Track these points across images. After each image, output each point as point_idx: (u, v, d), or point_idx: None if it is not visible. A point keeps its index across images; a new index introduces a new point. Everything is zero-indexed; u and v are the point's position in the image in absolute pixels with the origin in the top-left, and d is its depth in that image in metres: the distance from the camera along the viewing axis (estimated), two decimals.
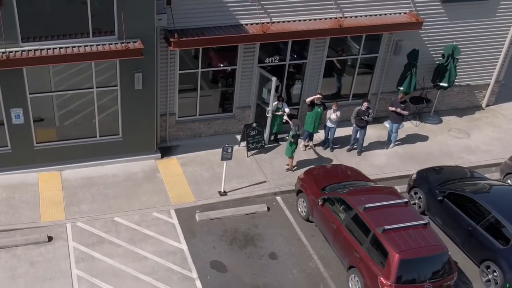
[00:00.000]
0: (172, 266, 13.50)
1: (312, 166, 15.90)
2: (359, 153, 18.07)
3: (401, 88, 18.45)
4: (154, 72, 15.58)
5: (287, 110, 17.06)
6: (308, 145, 17.90)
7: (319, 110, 17.24)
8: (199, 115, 17.77)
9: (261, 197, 15.99)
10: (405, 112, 17.73)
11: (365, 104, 17.33)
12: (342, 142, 18.46)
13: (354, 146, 18.14)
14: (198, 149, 17.52)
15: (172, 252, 13.89)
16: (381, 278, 12.16)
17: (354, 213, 13.27)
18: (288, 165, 16.88)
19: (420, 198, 15.64)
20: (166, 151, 17.37)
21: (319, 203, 14.16)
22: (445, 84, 18.89)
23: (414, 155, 18.16)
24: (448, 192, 14.85)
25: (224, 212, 15.25)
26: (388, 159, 17.94)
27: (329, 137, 18.01)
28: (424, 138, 19.08)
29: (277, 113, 17.04)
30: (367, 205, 13.12)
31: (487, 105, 21.24)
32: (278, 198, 16.05)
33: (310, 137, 18.00)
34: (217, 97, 17.87)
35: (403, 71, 18.48)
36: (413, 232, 12.65)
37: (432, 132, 19.46)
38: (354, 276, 12.98)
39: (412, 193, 15.94)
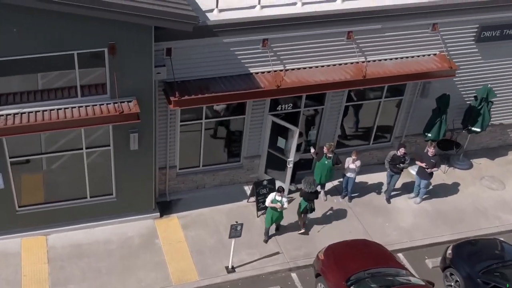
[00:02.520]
0: None
1: (332, 243, 14.14)
2: (388, 201, 16.58)
3: (429, 135, 16.64)
4: (152, 131, 13.67)
5: (286, 205, 14.25)
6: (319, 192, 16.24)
7: (326, 162, 15.48)
8: (203, 165, 15.93)
9: (274, 274, 14.32)
10: (435, 169, 15.94)
11: (402, 150, 15.73)
12: (361, 190, 16.81)
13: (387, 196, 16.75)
14: (201, 205, 15.75)
15: None
16: None
17: None
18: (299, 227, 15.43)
19: (457, 281, 13.94)
20: (165, 207, 15.60)
21: None
22: (478, 129, 17.08)
23: (444, 214, 16.45)
24: (492, 285, 13.15)
25: None
26: (415, 218, 16.24)
27: (347, 187, 16.31)
28: (454, 190, 17.35)
29: (273, 204, 14.22)
30: None
31: None
32: (294, 275, 14.39)
33: (321, 187, 16.29)
34: (223, 146, 15.98)
35: (431, 116, 16.61)
36: None
37: (462, 181, 17.70)
38: None
39: (448, 273, 14.25)
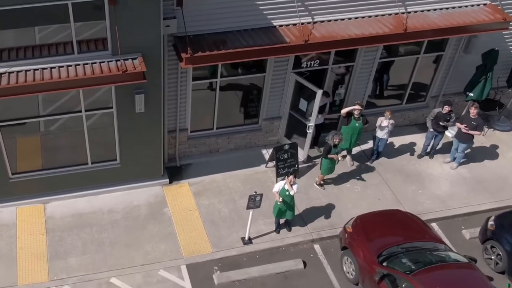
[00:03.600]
0: None
1: (361, 214, 12.70)
2: (431, 156, 15.28)
3: (471, 95, 14.97)
4: (160, 91, 12.22)
5: (293, 192, 12.20)
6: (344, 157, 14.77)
7: (356, 124, 13.96)
8: (217, 128, 14.45)
9: (295, 246, 12.96)
10: (477, 133, 14.33)
11: (447, 108, 14.30)
12: (392, 154, 15.34)
13: (428, 151, 15.31)
14: (214, 170, 14.36)
15: None
16: None
17: None
18: (317, 181, 14.16)
19: (498, 255, 12.50)
20: (175, 173, 14.24)
21: (376, 280, 11.07)
22: None
23: (484, 181, 14.89)
24: None
25: (249, 272, 12.29)
26: (452, 186, 14.70)
27: (378, 149, 14.86)
28: (494, 155, 15.74)
29: (279, 199, 12.29)
30: None
31: None
32: (317, 247, 13.02)
33: (348, 152, 14.83)
34: (240, 106, 14.46)
35: (474, 73, 14.93)
36: None
37: (504, 144, 16.08)
38: None
39: (488, 246, 12.78)
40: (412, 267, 10.82)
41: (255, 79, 13.83)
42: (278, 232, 12.97)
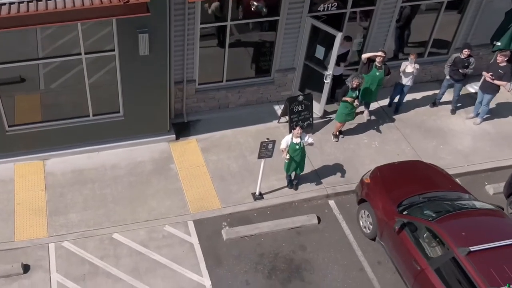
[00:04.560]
0: None
1: (380, 165, 11.62)
2: (453, 112, 14.11)
3: (498, 44, 13.69)
4: (166, 30, 11.12)
5: (310, 140, 11.24)
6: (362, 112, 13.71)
7: (377, 73, 12.78)
8: (227, 80, 13.37)
9: (309, 202, 11.91)
10: (503, 83, 13.11)
11: (466, 52, 13.10)
12: (412, 109, 14.24)
13: (440, 101, 14.24)
14: (224, 126, 13.32)
15: None
16: None
17: (451, 255, 9.13)
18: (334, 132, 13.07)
19: None
20: (182, 129, 13.21)
21: (395, 229, 10.02)
22: None
23: (508, 136, 13.72)
24: None
25: (259, 227, 11.27)
26: (475, 141, 13.53)
27: (399, 97, 13.77)
28: None
29: (286, 155, 11.21)
30: (472, 248, 8.93)
31: None
32: (331, 202, 11.96)
33: (366, 105, 13.67)
34: (251, 57, 13.35)
35: (503, 21, 13.62)
36: None
37: None
38: None
39: None
40: (434, 214, 9.72)
41: (268, 24, 12.67)
42: (291, 188, 11.88)
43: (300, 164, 11.42)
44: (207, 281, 10.27)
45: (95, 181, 11.87)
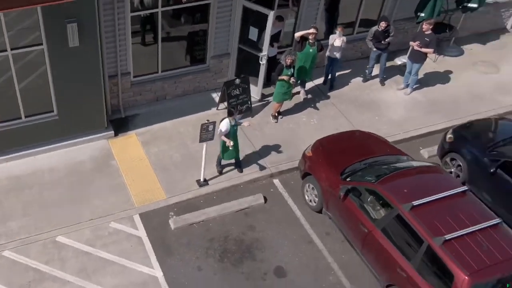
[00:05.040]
0: None
1: (320, 138, 11.53)
2: (382, 82, 14.20)
3: (422, 15, 13.90)
4: (95, 19, 10.57)
5: (245, 123, 11.29)
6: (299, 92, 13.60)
7: (311, 50, 12.67)
8: (162, 71, 12.93)
9: (254, 183, 11.69)
10: (430, 50, 13.28)
11: (383, 24, 13.15)
12: (346, 86, 14.21)
13: (381, 77, 14.24)
14: (163, 118, 12.90)
15: (143, 284, 9.70)
16: None
17: (395, 213, 9.14)
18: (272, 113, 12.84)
19: (459, 166, 11.58)
20: (120, 124, 12.70)
21: (340, 196, 9.93)
22: (475, 5, 14.42)
23: (438, 102, 13.96)
24: (503, 161, 10.78)
25: (207, 212, 10.95)
26: (407, 110, 13.68)
27: (331, 72, 13.71)
28: (446, 78, 14.82)
29: (226, 139, 10.85)
30: (414, 203, 8.96)
31: None
32: (276, 181, 11.78)
33: (301, 85, 13.57)
34: (185, 45, 12.98)
35: None
36: (483, 238, 8.65)
37: (455, 68, 15.18)
38: None
39: (448, 159, 11.85)
40: (376, 177, 9.71)
41: (199, 8, 12.29)
42: (221, 173, 11.59)
43: (237, 147, 11.19)
44: (158, 273, 9.87)
45: (34, 186, 11.21)
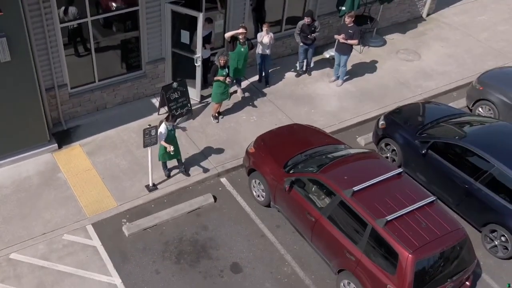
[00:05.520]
0: None
1: (260, 134, 11.78)
2: (309, 73, 14.63)
3: (343, 8, 14.42)
4: (24, 32, 10.34)
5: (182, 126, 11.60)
6: (236, 91, 13.83)
7: (242, 49, 12.92)
8: (99, 80, 12.78)
9: (202, 183, 11.81)
10: (354, 41, 13.81)
11: (307, 19, 13.47)
12: (280, 82, 14.54)
13: (305, 69, 14.63)
14: (106, 127, 12.77)
15: None
16: None
17: (338, 200, 9.54)
18: (213, 114, 13.02)
19: (393, 150, 12.17)
20: (64, 137, 12.47)
21: (286, 188, 10.24)
22: None
23: (368, 91, 14.55)
24: (432, 142, 11.44)
25: (159, 215, 10.98)
26: (341, 101, 14.18)
27: (263, 69, 14.02)
28: (373, 68, 15.44)
29: (165, 144, 10.84)
30: (355, 188, 9.38)
31: (428, 15, 17.85)
32: (223, 180, 11.95)
33: (238, 84, 13.80)
34: (119, 53, 12.88)
35: None
36: (421, 217, 9.19)
37: (379, 58, 15.84)
38: (349, 282, 9.51)
39: (383, 145, 12.43)
40: (318, 167, 10.08)
41: (129, 15, 12.23)
42: (169, 176, 11.59)
43: (178, 149, 11.24)
44: (117, 280, 9.84)
45: None
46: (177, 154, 11.27)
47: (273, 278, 10.07)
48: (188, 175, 11.67)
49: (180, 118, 12.30)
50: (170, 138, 10.88)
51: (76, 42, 12.11)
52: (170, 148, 10.79)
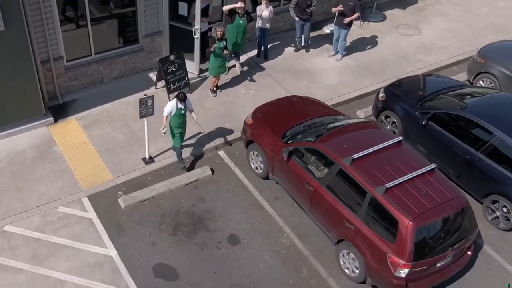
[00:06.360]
0: (102, 286, 8.96)
1: (259, 105, 11.38)
2: (308, 50, 14.08)
3: None
4: (19, 2, 9.91)
5: (193, 114, 10.61)
6: (234, 66, 13.38)
7: (241, 22, 12.48)
8: (96, 53, 12.34)
9: (200, 156, 11.41)
10: (356, 15, 13.35)
11: None
12: (279, 57, 14.07)
13: (303, 45, 14.11)
14: (102, 101, 12.36)
15: (97, 264, 9.29)
16: (392, 257, 8.37)
17: (337, 168, 9.15)
18: (210, 87, 12.55)
19: (393, 123, 11.77)
20: (59, 111, 12.06)
21: (284, 158, 9.86)
22: None
23: (368, 66, 14.11)
24: (432, 113, 11.03)
25: (156, 188, 10.62)
26: (340, 75, 13.75)
27: (263, 42, 13.55)
28: (373, 42, 14.98)
29: (165, 125, 10.33)
30: (354, 156, 8.99)
31: None
32: (221, 153, 11.57)
33: (236, 57, 13.35)
34: (116, 26, 12.43)
35: None
36: (421, 184, 8.81)
37: (379, 33, 15.38)
38: (348, 253, 9.15)
39: (383, 117, 12.03)
40: (316, 137, 9.69)
41: None
42: (183, 166, 10.89)
43: (183, 134, 10.68)
44: (112, 251, 9.49)
45: None
46: (182, 137, 10.65)
47: (271, 249, 9.72)
48: (185, 169, 10.95)
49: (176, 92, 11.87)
50: (178, 118, 10.25)
51: (73, 14, 11.65)
52: (163, 129, 10.29)
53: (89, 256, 9.36)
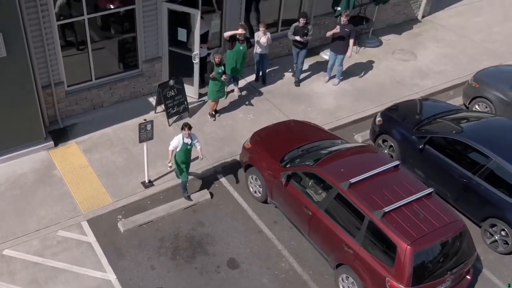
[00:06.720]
0: None
1: (257, 130, 11.43)
2: (297, 83, 13.98)
3: (339, 8, 14.12)
4: (20, 28, 10.04)
5: (198, 146, 10.37)
6: (233, 90, 13.46)
7: (241, 48, 12.59)
8: (96, 78, 12.45)
9: (199, 180, 11.41)
10: (351, 41, 13.50)
11: (302, 20, 13.07)
12: (277, 81, 14.22)
13: (299, 78, 14.23)
14: (102, 125, 12.41)
15: None
16: (391, 281, 8.33)
17: (335, 192, 9.16)
18: (209, 112, 12.61)
19: (391, 147, 11.81)
20: (60, 135, 12.10)
21: (282, 182, 9.87)
22: None
23: (364, 90, 14.22)
24: (429, 137, 11.08)
25: (155, 211, 10.59)
26: (337, 99, 13.85)
27: (261, 68, 13.66)
28: (369, 67, 15.13)
29: (171, 160, 10.39)
30: (352, 180, 9.00)
31: (423, 17, 17.58)
32: (220, 176, 11.58)
33: (235, 82, 13.45)
34: (116, 51, 12.55)
35: None
36: (419, 208, 8.81)
37: (375, 58, 15.54)
38: (347, 277, 9.10)
39: (380, 141, 12.07)
40: (314, 161, 9.71)
41: (126, 14, 11.95)
42: (189, 198, 10.77)
43: (187, 167, 10.57)
44: (111, 276, 9.43)
45: None
46: (187, 170, 10.47)
47: (271, 274, 9.66)
48: (190, 199, 10.87)
49: (176, 117, 11.92)
50: (184, 153, 10.16)
51: (74, 40, 11.78)
52: (170, 158, 10.29)
53: (88, 280, 9.29)
